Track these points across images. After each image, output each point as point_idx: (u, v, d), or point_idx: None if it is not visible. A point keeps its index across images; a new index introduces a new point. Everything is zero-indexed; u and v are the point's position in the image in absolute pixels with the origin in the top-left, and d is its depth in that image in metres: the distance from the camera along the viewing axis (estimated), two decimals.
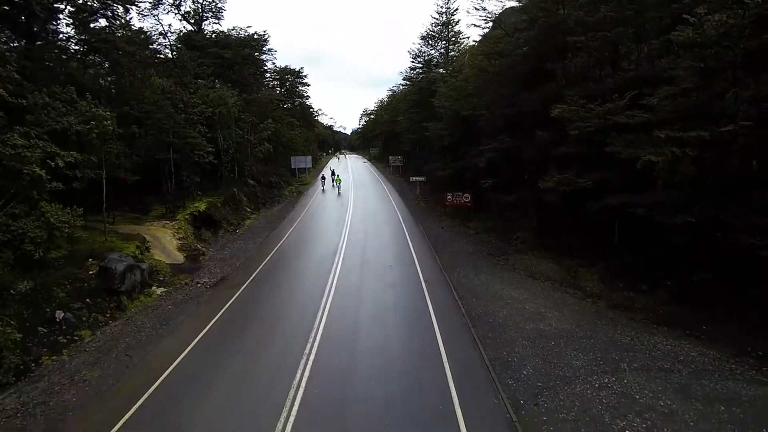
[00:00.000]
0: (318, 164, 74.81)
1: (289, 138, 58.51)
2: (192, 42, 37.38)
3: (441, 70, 38.11)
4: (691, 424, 9.06)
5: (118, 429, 9.36)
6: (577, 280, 18.14)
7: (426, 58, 43.03)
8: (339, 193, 42.26)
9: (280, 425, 9.15)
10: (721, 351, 12.34)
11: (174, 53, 37.16)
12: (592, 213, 17.73)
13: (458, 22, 41.10)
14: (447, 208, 30.44)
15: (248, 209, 35.38)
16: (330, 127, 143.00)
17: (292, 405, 9.81)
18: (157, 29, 34.60)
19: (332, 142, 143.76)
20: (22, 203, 15.41)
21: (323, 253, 22.09)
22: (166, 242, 22.86)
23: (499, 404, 9.88)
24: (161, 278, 19.37)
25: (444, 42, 40.35)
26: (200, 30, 38.07)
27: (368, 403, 9.88)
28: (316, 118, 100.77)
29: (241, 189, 36.84)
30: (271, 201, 41.01)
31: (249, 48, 40.14)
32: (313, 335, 13.11)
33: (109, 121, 18.14)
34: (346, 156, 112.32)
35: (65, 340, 13.86)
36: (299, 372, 11.12)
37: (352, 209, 34.55)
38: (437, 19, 41.93)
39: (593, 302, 16.14)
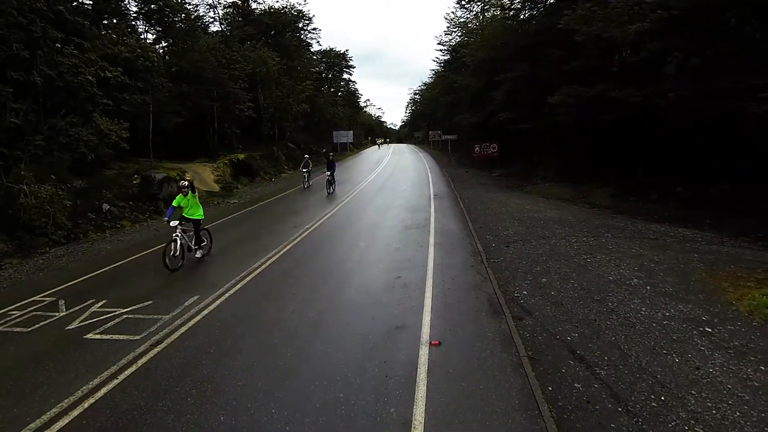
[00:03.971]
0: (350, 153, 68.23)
1: (332, 114, 60.60)
2: (238, 11, 40.14)
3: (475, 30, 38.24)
4: (656, 260, 9.24)
5: (144, 254, 11.05)
6: (589, 198, 18.11)
7: (461, 21, 43.21)
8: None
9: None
10: (718, 233, 12.16)
11: (223, 25, 40.02)
12: (608, 131, 17.67)
13: None
14: (474, 158, 30.71)
15: (286, 167, 37.38)
16: (377, 118, 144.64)
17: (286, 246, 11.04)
18: (207, 1, 37.30)
19: (380, 132, 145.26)
20: (80, 115, 17.79)
21: (348, 185, 23.40)
22: (205, 176, 25.00)
23: (472, 247, 10.50)
24: None
25: (479, 3, 40.34)
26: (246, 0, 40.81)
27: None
28: (365, 109, 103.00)
29: (281, 150, 38.98)
30: None
31: (290, 16, 42.43)
32: (317, 220, 14.33)
33: (154, 54, 20.26)
34: (389, 144, 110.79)
35: (109, 225, 15.94)
36: (294, 236, 12.37)
37: (383, 166, 35.72)
38: None
39: (599, 211, 16.12)
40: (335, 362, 5.41)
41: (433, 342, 5.79)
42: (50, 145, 16.45)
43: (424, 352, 5.56)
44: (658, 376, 4.90)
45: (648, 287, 7.59)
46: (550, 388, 4.77)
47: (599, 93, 15.61)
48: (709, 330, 5.97)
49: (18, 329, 6.84)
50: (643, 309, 6.67)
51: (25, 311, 7.55)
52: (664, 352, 5.44)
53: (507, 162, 29.20)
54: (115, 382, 5.18)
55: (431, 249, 10.18)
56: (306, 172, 23.89)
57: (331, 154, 23.94)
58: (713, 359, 5.24)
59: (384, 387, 4.83)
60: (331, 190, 20.60)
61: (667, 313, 6.52)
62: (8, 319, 7.25)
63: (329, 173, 21.14)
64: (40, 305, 7.81)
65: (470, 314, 6.68)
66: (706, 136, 14.75)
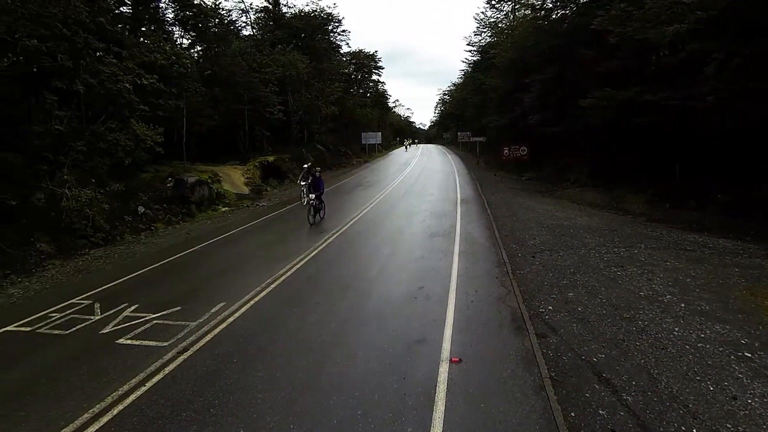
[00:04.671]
0: (378, 155, 62.77)
1: (361, 114, 60.97)
2: (269, 15, 41.00)
3: (505, 30, 37.68)
4: (692, 274, 8.83)
5: (176, 257, 11.41)
6: (622, 204, 17.49)
7: (491, 21, 42.53)
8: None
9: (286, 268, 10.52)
10: (762, 245, 11.49)
11: (254, 29, 40.92)
12: (642, 134, 17.04)
13: None
14: (503, 160, 30.24)
15: None
16: (407, 118, 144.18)
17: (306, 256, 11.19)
18: (240, 6, 38.20)
19: (409, 133, 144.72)
20: (118, 121, 18.56)
21: (375, 188, 23.54)
22: (235, 178, 25.65)
23: (497, 257, 10.34)
24: (227, 201, 21.95)
25: (510, 3, 39.62)
26: (277, 4, 41.59)
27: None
28: (394, 109, 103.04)
29: (310, 152, 39.51)
30: (337, 165, 43.42)
31: (320, 19, 42.99)
32: (343, 225, 14.44)
33: (188, 60, 20.91)
34: (417, 145, 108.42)
35: (143, 227, 16.55)
36: (320, 241, 12.50)
37: (411, 167, 35.70)
38: None
39: (632, 218, 15.55)
40: (354, 376, 5.43)
41: (453, 359, 5.72)
42: (91, 150, 17.20)
43: (443, 369, 5.50)
44: (691, 406, 4.67)
45: (682, 305, 7.26)
46: (572, 414, 4.62)
47: (634, 95, 15.05)
48: (749, 355, 5.65)
49: (57, 332, 7.18)
50: (676, 329, 6.39)
51: (64, 314, 7.91)
52: (698, 378, 5.18)
53: (537, 165, 28.61)
54: (143, 389, 5.36)
55: (455, 258, 10.09)
56: (305, 185, 18.19)
57: (318, 169, 17.03)
58: (752, 388, 4.96)
59: (402, 405, 4.81)
60: (317, 220, 15.14)
61: (703, 335, 6.21)
62: (48, 321, 7.62)
63: (313, 195, 15.15)
64: (77, 308, 8.18)
65: (493, 329, 6.57)
66: (748, 139, 13.99)
